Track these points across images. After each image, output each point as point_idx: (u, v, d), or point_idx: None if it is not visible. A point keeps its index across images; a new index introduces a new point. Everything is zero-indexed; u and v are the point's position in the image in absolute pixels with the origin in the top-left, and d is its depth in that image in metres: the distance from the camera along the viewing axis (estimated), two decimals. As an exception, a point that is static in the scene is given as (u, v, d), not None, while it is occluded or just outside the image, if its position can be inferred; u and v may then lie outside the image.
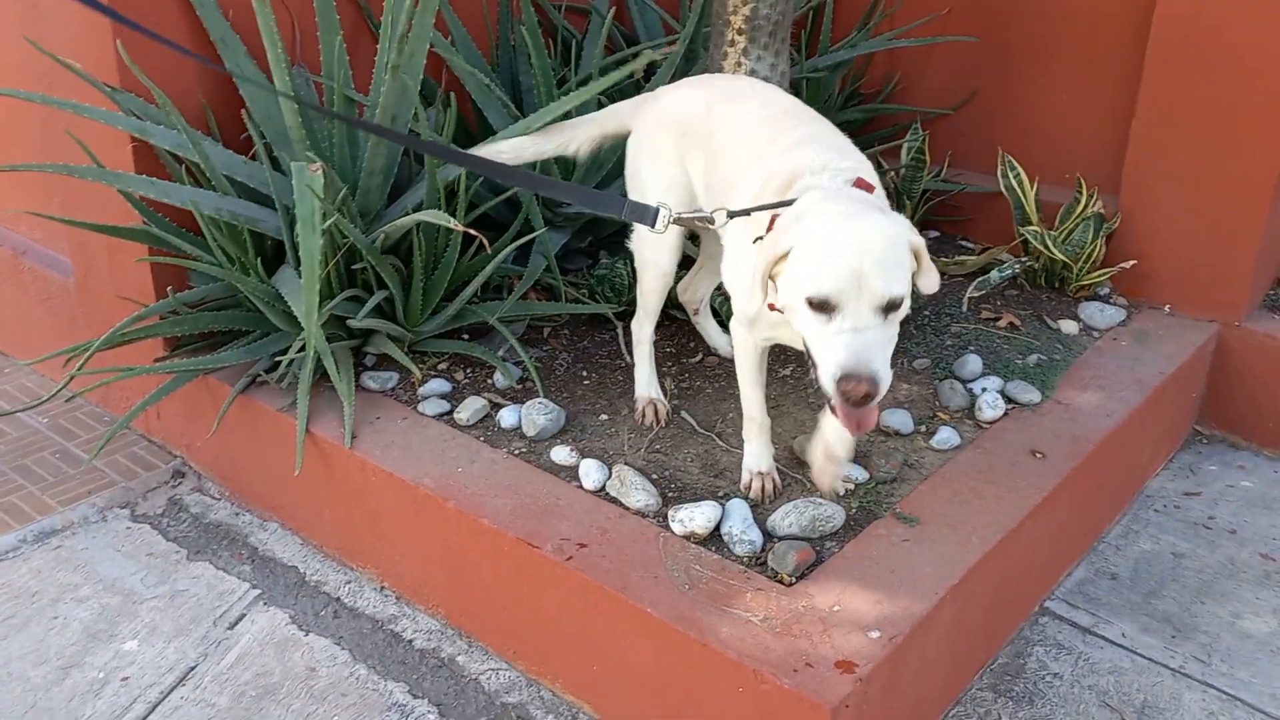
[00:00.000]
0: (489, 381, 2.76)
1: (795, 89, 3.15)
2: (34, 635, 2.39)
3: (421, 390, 2.70)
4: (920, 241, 1.82)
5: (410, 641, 2.40)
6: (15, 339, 3.49)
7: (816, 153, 2.01)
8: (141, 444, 3.07)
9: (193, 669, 2.31)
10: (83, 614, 2.46)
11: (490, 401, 2.65)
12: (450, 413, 2.63)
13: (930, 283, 1.85)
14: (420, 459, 2.45)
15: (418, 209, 2.68)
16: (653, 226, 2.07)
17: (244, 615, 2.47)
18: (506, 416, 2.59)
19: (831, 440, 2.11)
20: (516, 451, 2.49)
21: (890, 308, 1.73)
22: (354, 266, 2.68)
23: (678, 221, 2.09)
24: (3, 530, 2.71)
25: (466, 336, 2.91)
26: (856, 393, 1.68)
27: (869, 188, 1.96)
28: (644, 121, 2.46)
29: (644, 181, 2.44)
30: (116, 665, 2.32)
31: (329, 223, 2.41)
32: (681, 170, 2.37)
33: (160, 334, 2.70)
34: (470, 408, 2.60)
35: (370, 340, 2.80)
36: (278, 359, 2.69)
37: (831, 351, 1.72)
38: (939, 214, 3.66)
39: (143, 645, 2.37)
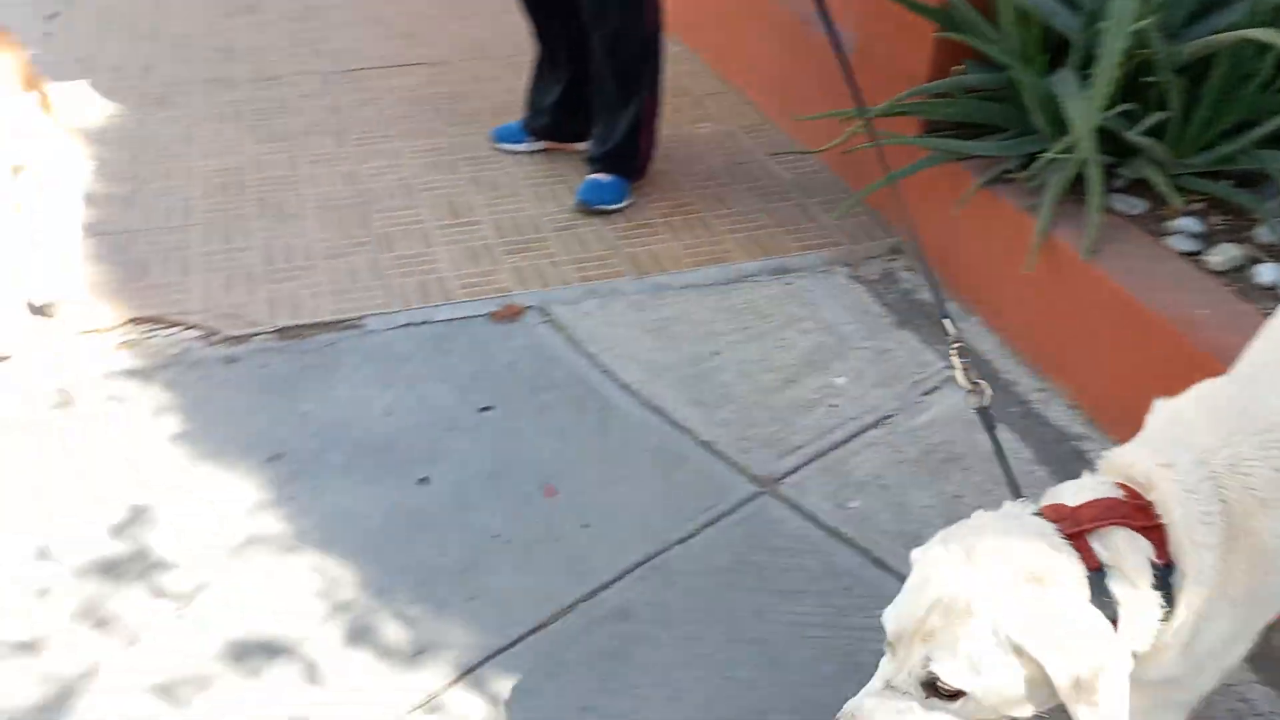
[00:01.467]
0: (1247, 234, 2.52)
1: None
2: (765, 347, 2.78)
3: (1171, 224, 2.55)
4: (1044, 656, 1.23)
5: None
6: (779, 103, 3.89)
7: (1158, 443, 1.50)
8: (866, 216, 3.31)
9: (888, 417, 2.54)
10: (803, 343, 2.79)
11: (1248, 255, 2.44)
12: (1198, 253, 2.46)
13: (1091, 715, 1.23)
14: (1158, 289, 2.34)
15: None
16: None
17: (937, 388, 2.63)
18: (1265, 272, 2.37)
19: None
20: (1267, 311, 2.27)
21: (935, 689, 1.28)
22: (1140, 80, 2.56)
23: None
24: (749, 257, 3.14)
25: (1232, 181, 2.67)
26: None
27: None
28: None
29: None
30: (826, 393, 2.62)
31: (1142, 24, 2.31)
32: None
33: (925, 114, 2.85)
34: (1224, 253, 2.42)
35: (1126, 162, 2.68)
36: (1029, 158, 2.70)
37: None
38: None
39: (849, 383, 2.64)
